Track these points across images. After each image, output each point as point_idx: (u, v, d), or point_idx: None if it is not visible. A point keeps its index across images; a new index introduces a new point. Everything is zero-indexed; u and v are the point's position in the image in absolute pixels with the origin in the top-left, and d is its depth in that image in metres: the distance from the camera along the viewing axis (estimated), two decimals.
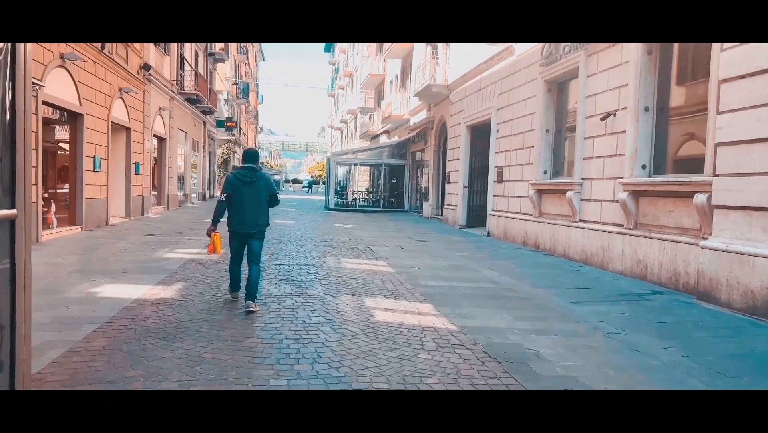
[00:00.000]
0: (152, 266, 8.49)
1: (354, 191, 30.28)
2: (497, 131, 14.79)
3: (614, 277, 8.83)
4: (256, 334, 4.99)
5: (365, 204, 28.36)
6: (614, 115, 9.44)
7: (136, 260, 9.05)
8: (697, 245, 7.26)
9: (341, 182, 30.20)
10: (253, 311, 5.73)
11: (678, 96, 8.62)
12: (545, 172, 12.14)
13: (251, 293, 5.87)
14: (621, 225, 9.14)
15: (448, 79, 19.33)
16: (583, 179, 10.44)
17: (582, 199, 10.45)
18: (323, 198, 33.55)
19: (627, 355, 4.79)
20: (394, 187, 28.11)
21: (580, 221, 10.47)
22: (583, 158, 10.45)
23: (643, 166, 8.79)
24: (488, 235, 15.04)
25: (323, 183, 56.52)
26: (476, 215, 17.50)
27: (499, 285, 7.90)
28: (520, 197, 13.20)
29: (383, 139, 32.41)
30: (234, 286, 6.32)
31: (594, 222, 10.01)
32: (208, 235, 6.25)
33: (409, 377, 4.02)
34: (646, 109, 8.77)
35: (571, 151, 11.44)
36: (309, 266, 8.90)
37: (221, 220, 6.14)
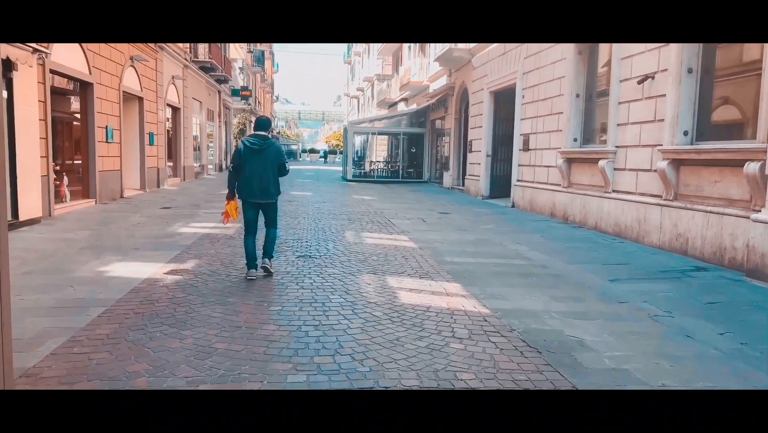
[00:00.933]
0: (165, 242, 8.16)
1: (372, 161, 29.73)
2: (523, 97, 14.10)
3: (652, 251, 8.30)
4: (272, 320, 4.61)
5: (384, 175, 27.82)
6: (653, 77, 8.76)
7: (149, 235, 8.73)
8: (747, 217, 6.68)
9: (359, 152, 29.62)
10: (269, 271, 6.00)
11: (725, 56, 7.91)
12: (575, 140, 11.50)
13: (268, 252, 6.12)
14: (659, 196, 8.55)
15: (470, 43, 18.52)
16: (617, 147, 9.81)
17: (616, 169, 9.84)
18: (340, 168, 33.09)
19: (680, 343, 4.33)
20: (413, 156, 27.49)
21: (614, 191, 9.88)
22: (618, 125, 9.80)
23: (685, 133, 8.15)
24: (513, 206, 14.50)
25: (340, 153, 56.03)
26: (500, 186, 16.90)
27: (530, 261, 7.43)
28: (548, 167, 12.59)
29: (401, 107, 31.64)
30: (250, 262, 6.03)
31: (629, 193, 9.42)
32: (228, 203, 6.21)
33: (441, 372, 3.61)
34: (690, 71, 8.09)
35: (603, 117, 10.77)
36: (328, 242, 8.50)
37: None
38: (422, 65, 26.42)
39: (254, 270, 6.01)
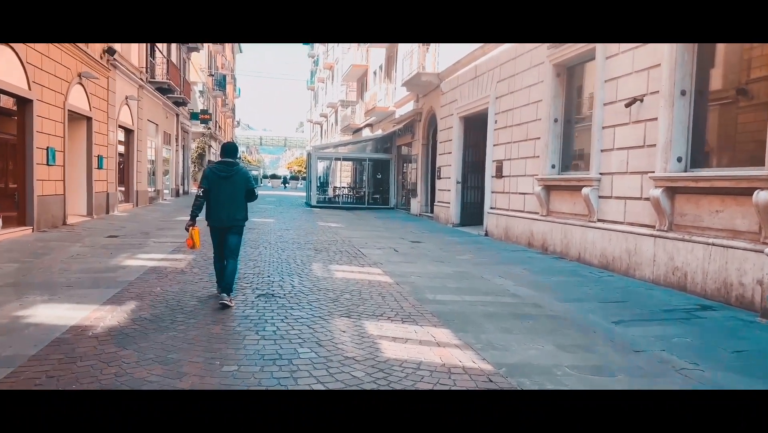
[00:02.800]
0: (105, 278, 7.08)
1: (337, 187, 28.92)
2: (495, 122, 13.57)
3: (646, 286, 7.66)
4: (224, 385, 3.66)
5: (349, 201, 27.02)
6: (641, 100, 8.26)
7: (86, 269, 7.62)
8: (758, 251, 6.10)
9: (323, 178, 28.76)
10: (227, 305, 5.67)
11: (721, 77, 7.46)
12: (553, 167, 10.95)
13: (227, 287, 5.86)
14: (651, 226, 7.97)
15: (439, 68, 18.06)
16: (601, 174, 9.25)
17: (601, 197, 9.27)
18: (303, 194, 32.10)
19: None
20: (378, 182, 26.77)
21: (599, 220, 9.29)
22: (601, 150, 9.26)
23: (679, 159, 7.62)
24: (486, 235, 13.83)
25: (302, 178, 55.03)
26: (470, 213, 16.29)
27: (520, 299, 6.67)
28: (524, 194, 12.00)
29: (366, 133, 31.06)
30: (220, 282, 5.96)
31: (616, 222, 8.84)
32: (186, 230, 6.00)
33: None
34: (683, 93, 7.60)
35: (584, 142, 10.26)
36: (292, 276, 7.57)
37: (199, 215, 5.95)
38: (388, 90, 25.94)
39: (226, 295, 5.80)
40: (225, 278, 5.84)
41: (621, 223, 8.72)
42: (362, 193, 26.79)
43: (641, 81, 8.30)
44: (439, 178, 17.98)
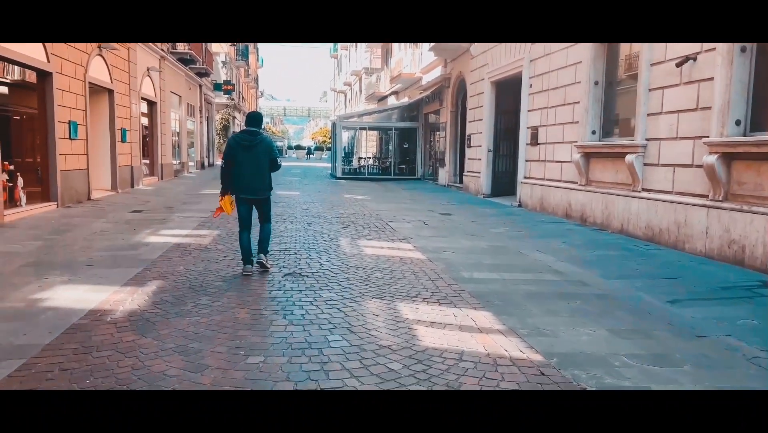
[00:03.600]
0: (127, 255, 6.84)
1: (362, 158, 28.47)
2: (530, 86, 12.89)
3: (698, 261, 7.13)
4: (250, 379, 3.33)
5: (375, 171, 26.54)
6: (694, 59, 7.58)
7: (109, 247, 7.40)
8: None
9: (348, 148, 28.28)
10: (265, 267, 6.01)
11: None
12: (593, 133, 10.31)
13: (264, 247, 6.06)
14: (704, 196, 7.38)
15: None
16: (647, 140, 8.63)
17: (646, 164, 8.66)
18: (328, 165, 31.73)
19: None
20: (405, 152, 26.20)
21: (644, 189, 8.71)
22: (648, 114, 8.62)
23: (737, 122, 6.98)
24: (520, 206, 13.30)
25: (327, 149, 54.58)
26: (502, 183, 15.73)
27: (563, 276, 6.22)
28: (561, 162, 11.41)
29: (392, 101, 30.34)
30: (246, 258, 5.93)
31: (663, 192, 8.25)
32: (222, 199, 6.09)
33: None
34: (743, 50, 6.92)
35: (627, 106, 9.60)
36: (320, 252, 7.23)
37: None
38: (414, 56, 25.15)
39: (250, 266, 5.91)
40: (261, 240, 6.05)
41: (669, 192, 8.13)
42: (388, 163, 26.27)
43: None
44: (469, 146, 17.37)
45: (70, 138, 11.99)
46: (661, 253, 7.68)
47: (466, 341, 4.02)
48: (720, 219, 7.08)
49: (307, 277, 5.85)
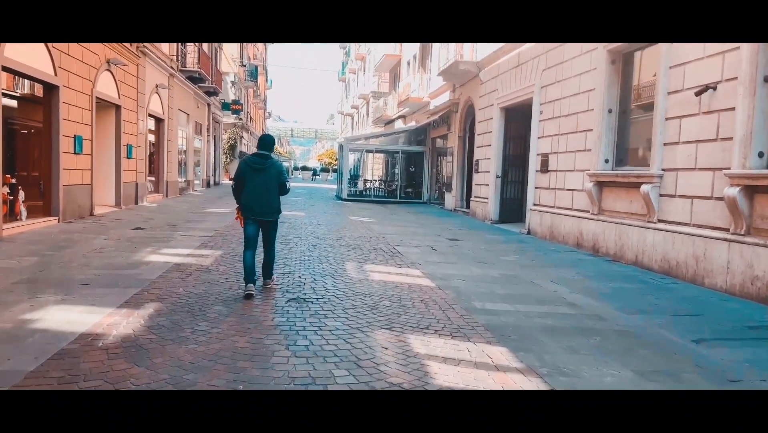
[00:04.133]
0: (125, 275, 6.58)
1: (368, 180, 28.31)
2: (541, 113, 12.73)
3: (719, 297, 6.83)
4: None
5: (381, 194, 26.36)
6: (714, 88, 7.39)
7: (107, 265, 7.15)
8: None
9: (354, 171, 28.17)
10: (270, 288, 6.18)
11: None
12: (606, 161, 10.09)
13: (268, 273, 6.30)
14: (725, 229, 7.12)
15: (477, 56, 17.21)
16: (663, 170, 8.40)
17: (662, 195, 8.42)
18: (334, 186, 31.60)
19: None
20: (411, 176, 26.06)
21: (660, 221, 8.45)
22: (664, 144, 8.40)
23: (760, 154, 6.76)
24: (528, 233, 13.03)
25: (333, 171, 54.56)
26: (510, 209, 15.49)
27: (579, 309, 5.93)
28: (572, 190, 11.18)
29: (398, 125, 30.31)
30: (249, 277, 5.83)
31: (681, 223, 7.99)
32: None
33: None
34: (766, 80, 6.72)
35: (642, 135, 9.40)
36: (326, 277, 6.96)
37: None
38: (422, 81, 25.15)
39: (252, 285, 5.82)
40: (265, 266, 6.24)
41: (687, 224, 7.87)
42: (394, 186, 26.10)
43: (715, 66, 7.42)
44: (477, 172, 17.19)
45: (74, 153, 11.84)
46: (679, 287, 7.38)
47: (483, 379, 3.73)
48: (742, 254, 6.80)
49: (312, 303, 5.59)
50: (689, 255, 7.73)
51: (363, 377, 3.68)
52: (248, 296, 5.65)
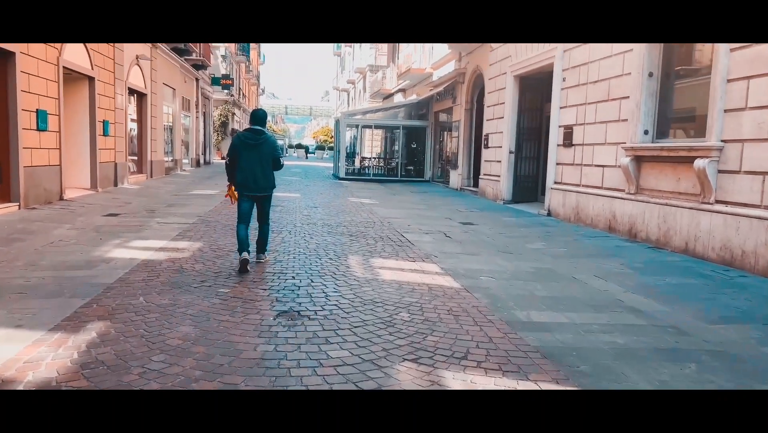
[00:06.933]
0: (76, 278, 5.28)
1: (367, 158, 26.88)
2: (564, 80, 11.34)
3: None
4: None
5: (380, 172, 24.98)
6: None
7: (59, 264, 5.84)
8: None
9: (352, 148, 26.69)
10: (263, 262, 6.19)
11: None
12: (646, 133, 8.76)
13: (262, 247, 6.28)
14: None
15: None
16: (724, 141, 7.09)
17: (721, 171, 7.13)
18: (330, 165, 30.18)
19: None
20: (412, 153, 24.65)
21: (718, 202, 7.17)
22: (725, 111, 7.08)
23: None
24: (549, 214, 11.74)
25: (329, 149, 52.98)
26: (524, 188, 14.20)
27: (647, 318, 4.67)
28: (603, 166, 9.86)
29: (398, 99, 28.80)
30: (242, 247, 5.89)
31: (748, 205, 6.71)
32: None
33: None
34: None
35: (693, 101, 8.08)
36: (325, 277, 5.67)
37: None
38: (425, 50, 23.62)
39: (246, 252, 5.83)
40: (259, 241, 6.25)
41: (756, 206, 6.59)
42: (394, 164, 24.71)
43: None
44: (486, 147, 15.82)
45: (37, 129, 10.44)
46: (751, 282, 6.13)
47: None
48: None
49: (309, 318, 4.30)
50: (760, 243, 6.46)
51: None
52: (243, 263, 5.70)
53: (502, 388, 3.17)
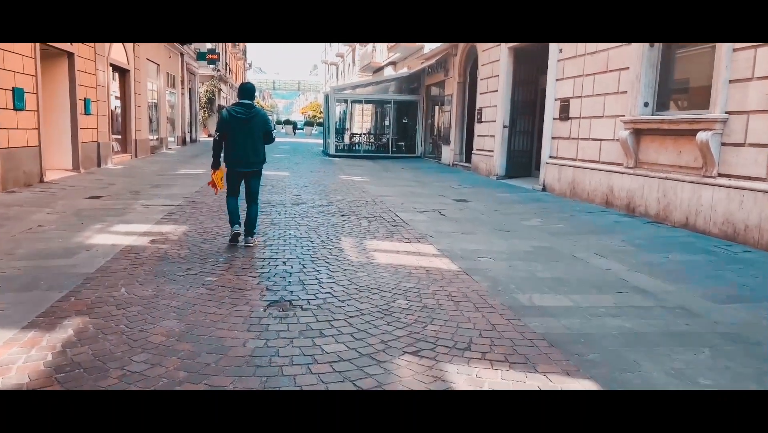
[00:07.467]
0: (54, 268, 5.00)
1: (357, 134, 26.44)
2: (560, 51, 11.02)
3: None
4: None
5: (371, 149, 24.59)
6: None
7: (36, 253, 5.55)
8: None
9: (342, 123, 26.25)
10: (252, 246, 5.91)
11: None
12: (646, 105, 8.51)
13: (250, 230, 6.04)
14: None
15: None
16: (728, 113, 6.86)
17: (725, 144, 6.91)
18: (319, 141, 29.72)
19: None
20: (404, 128, 24.25)
21: (721, 175, 6.97)
22: (730, 81, 6.84)
23: None
24: (544, 189, 11.53)
25: (318, 124, 52.29)
26: (518, 163, 13.96)
27: (654, 298, 4.49)
28: (600, 140, 9.62)
29: (389, 72, 28.28)
30: (233, 219, 5.99)
31: (752, 178, 6.52)
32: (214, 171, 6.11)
33: None
34: None
35: (696, 71, 7.84)
36: (317, 262, 5.43)
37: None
38: None
39: (238, 226, 5.95)
40: (248, 222, 6.02)
41: (761, 179, 6.39)
42: (385, 140, 24.32)
43: None
44: (480, 121, 15.52)
45: (14, 108, 10.00)
46: (756, 258, 5.97)
47: None
48: None
49: (302, 308, 4.06)
50: (764, 217, 6.28)
51: None
52: (234, 237, 5.86)
53: (510, 382, 2.96)
